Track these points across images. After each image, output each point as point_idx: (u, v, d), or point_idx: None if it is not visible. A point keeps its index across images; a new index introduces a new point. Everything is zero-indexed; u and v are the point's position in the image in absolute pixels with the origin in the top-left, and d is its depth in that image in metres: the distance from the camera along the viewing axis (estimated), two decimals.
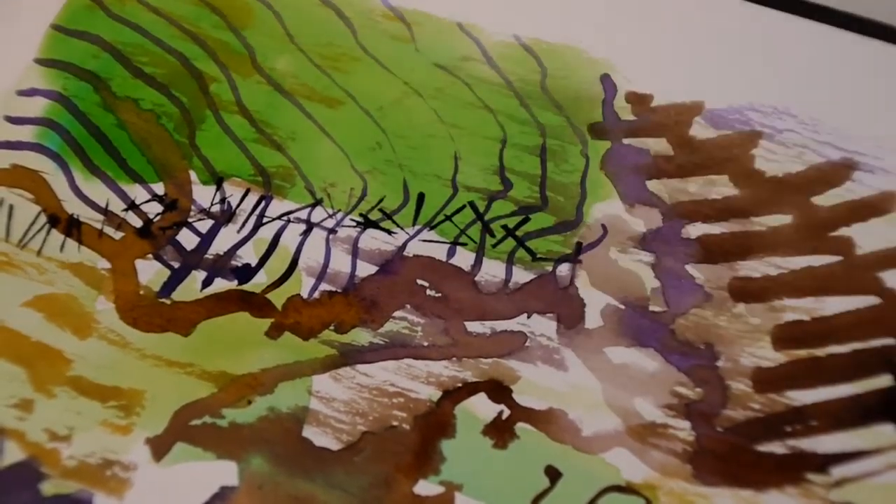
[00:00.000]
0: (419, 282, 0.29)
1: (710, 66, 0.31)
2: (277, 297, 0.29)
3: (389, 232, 0.29)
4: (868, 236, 0.29)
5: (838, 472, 0.26)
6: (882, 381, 0.27)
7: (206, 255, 0.29)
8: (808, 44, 0.31)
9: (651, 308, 0.28)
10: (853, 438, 0.26)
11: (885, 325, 0.28)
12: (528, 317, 0.28)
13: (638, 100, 0.31)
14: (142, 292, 0.29)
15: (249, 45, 0.33)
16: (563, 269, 0.29)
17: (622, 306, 0.28)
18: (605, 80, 0.31)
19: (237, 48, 0.32)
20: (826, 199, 0.29)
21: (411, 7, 0.33)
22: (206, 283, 0.29)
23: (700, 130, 0.30)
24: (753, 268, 0.29)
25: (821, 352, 0.27)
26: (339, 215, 0.30)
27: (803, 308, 0.28)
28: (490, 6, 0.32)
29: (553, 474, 0.26)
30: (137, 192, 0.30)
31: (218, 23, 0.33)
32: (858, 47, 0.31)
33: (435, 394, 0.27)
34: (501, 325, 0.28)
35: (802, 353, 0.27)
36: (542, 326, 0.28)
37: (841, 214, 0.29)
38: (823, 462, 0.26)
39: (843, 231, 0.29)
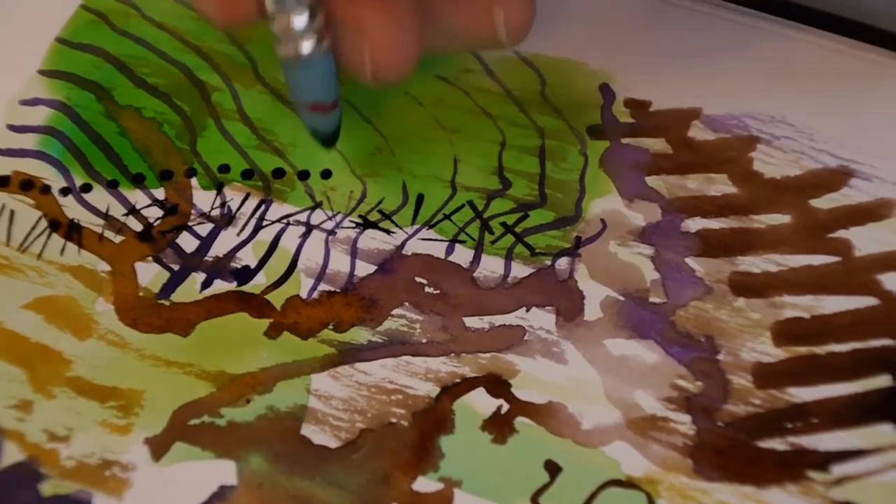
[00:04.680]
0: (418, 279, 0.29)
1: (708, 78, 0.32)
2: (276, 298, 0.29)
3: (388, 232, 0.29)
4: (866, 240, 0.29)
5: (839, 470, 0.26)
6: (881, 381, 0.27)
7: (206, 258, 0.29)
8: (805, 52, 0.32)
9: (651, 299, 0.28)
10: (853, 437, 0.26)
11: (884, 327, 0.27)
12: (527, 310, 0.28)
13: (636, 105, 0.31)
14: (141, 294, 0.29)
15: (252, 57, 0.33)
16: (562, 263, 0.29)
17: (622, 298, 0.28)
18: (604, 88, 0.32)
19: (240, 60, 0.33)
20: (824, 203, 0.29)
21: None
22: (206, 284, 0.29)
23: (698, 133, 0.31)
24: (753, 263, 0.28)
25: (821, 350, 0.27)
26: (339, 217, 0.30)
27: (803, 306, 0.28)
28: None
29: (553, 469, 0.26)
30: (138, 198, 0.30)
31: (221, 37, 0.33)
32: (858, 57, 0.32)
33: (433, 390, 0.27)
34: (500, 319, 0.28)
35: (803, 350, 0.27)
36: (540, 320, 0.28)
37: (839, 217, 0.29)
38: (824, 460, 0.26)
39: (842, 233, 0.29)
